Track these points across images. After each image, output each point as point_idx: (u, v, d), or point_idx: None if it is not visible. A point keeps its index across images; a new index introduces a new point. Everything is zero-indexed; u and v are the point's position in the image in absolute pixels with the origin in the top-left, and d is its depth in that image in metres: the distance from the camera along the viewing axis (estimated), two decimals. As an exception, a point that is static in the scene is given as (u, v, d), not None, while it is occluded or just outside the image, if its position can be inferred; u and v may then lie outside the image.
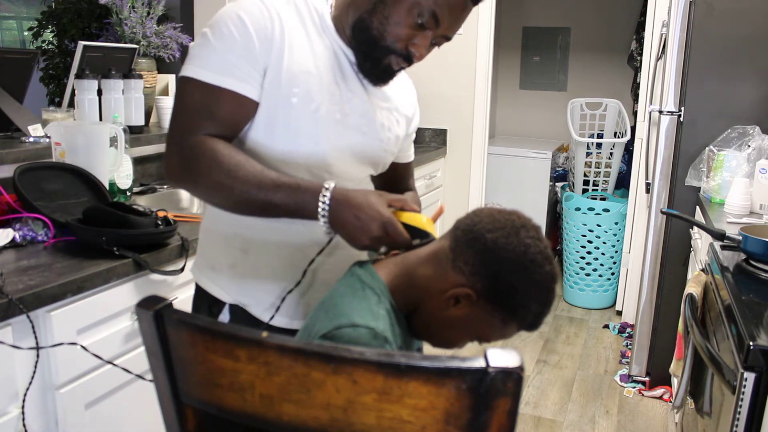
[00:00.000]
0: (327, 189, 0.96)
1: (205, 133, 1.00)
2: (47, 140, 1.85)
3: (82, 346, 1.24)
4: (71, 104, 2.11)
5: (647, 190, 2.83)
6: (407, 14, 1.02)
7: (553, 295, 0.91)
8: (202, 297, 1.17)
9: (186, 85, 1.02)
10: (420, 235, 0.98)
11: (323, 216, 0.95)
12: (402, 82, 1.22)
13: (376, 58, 1.07)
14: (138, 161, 2.16)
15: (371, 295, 0.90)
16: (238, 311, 1.13)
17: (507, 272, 0.87)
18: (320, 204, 0.95)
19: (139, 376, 1.35)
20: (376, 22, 1.03)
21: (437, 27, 1.03)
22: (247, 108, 1.03)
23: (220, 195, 1.00)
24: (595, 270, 3.64)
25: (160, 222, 1.48)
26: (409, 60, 1.08)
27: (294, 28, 1.06)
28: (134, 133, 2.17)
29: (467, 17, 1.07)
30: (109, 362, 1.31)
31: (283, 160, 1.06)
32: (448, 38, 1.07)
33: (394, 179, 1.27)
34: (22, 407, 1.15)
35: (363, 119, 1.12)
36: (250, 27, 1.01)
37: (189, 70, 1.01)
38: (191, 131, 1.00)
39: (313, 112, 1.05)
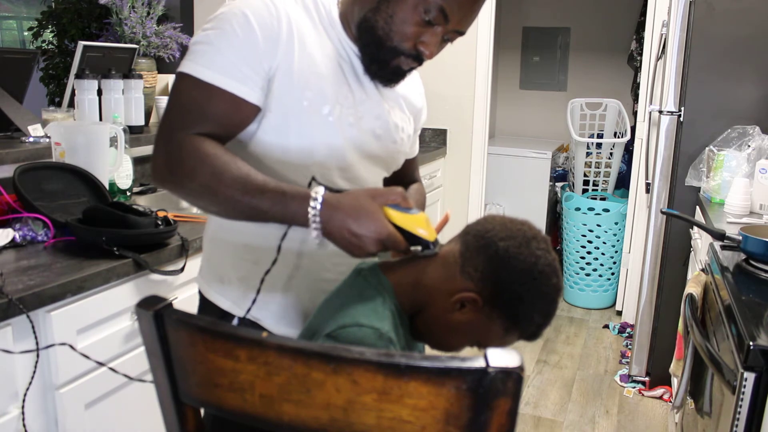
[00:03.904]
0: (315, 199, 0.88)
1: (195, 132, 0.95)
2: (47, 140, 1.85)
3: (71, 346, 1.22)
4: (71, 104, 2.11)
5: (647, 190, 2.83)
6: (413, 11, 0.96)
7: (556, 307, 0.91)
8: (209, 310, 1.12)
9: (181, 82, 0.97)
10: (419, 242, 0.94)
11: (315, 228, 0.88)
12: (409, 76, 1.14)
13: (383, 60, 1.02)
14: (138, 161, 2.16)
15: (376, 295, 0.90)
16: (248, 324, 1.08)
17: (515, 281, 0.87)
18: (310, 215, 0.88)
19: (137, 379, 1.34)
20: (381, 21, 0.98)
21: (446, 23, 0.98)
22: (242, 110, 0.98)
23: (206, 198, 0.93)
24: (595, 270, 3.64)
25: (160, 222, 1.48)
26: (419, 59, 1.02)
27: (303, 28, 1.01)
28: (134, 133, 2.17)
29: (481, 9, 1.01)
30: (103, 364, 1.30)
31: (297, 164, 1.02)
32: (461, 33, 1.01)
33: (401, 174, 1.24)
34: (22, 407, 1.15)
35: (378, 122, 1.08)
36: (255, 26, 0.96)
37: (186, 67, 0.97)
38: (180, 129, 0.95)
39: (326, 116, 1.01)
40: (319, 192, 0.89)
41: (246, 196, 0.90)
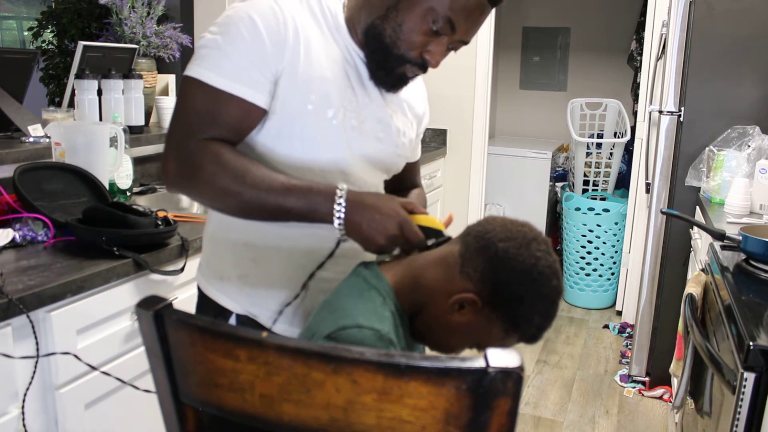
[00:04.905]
0: (341, 190, 0.94)
1: (206, 137, 0.96)
2: (47, 140, 1.85)
3: (76, 356, 1.23)
4: (71, 104, 2.11)
5: (647, 190, 2.83)
6: (421, 21, 0.98)
7: (556, 309, 0.91)
8: (207, 305, 1.13)
9: (189, 87, 0.97)
10: (433, 236, 0.98)
11: (339, 218, 0.93)
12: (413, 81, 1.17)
13: (389, 67, 1.03)
14: (138, 161, 2.16)
15: (376, 296, 0.90)
16: (245, 321, 1.09)
17: (515, 283, 0.87)
18: (336, 207, 0.93)
19: (131, 385, 1.34)
20: (389, 29, 1.00)
21: (453, 33, 0.99)
22: (252, 115, 0.99)
23: (226, 200, 0.97)
24: (595, 270, 3.64)
25: (160, 222, 1.48)
26: (424, 68, 1.04)
27: (309, 31, 1.02)
28: (134, 133, 2.17)
29: (486, 19, 1.02)
30: (96, 368, 1.29)
31: (300, 167, 1.03)
32: (465, 42, 1.03)
33: (402, 178, 1.25)
34: (22, 407, 1.15)
35: (379, 125, 1.09)
36: (262, 30, 0.96)
37: (194, 71, 0.97)
38: (192, 134, 0.96)
39: (330, 119, 1.02)
40: (343, 185, 0.95)
41: (271, 196, 0.94)
